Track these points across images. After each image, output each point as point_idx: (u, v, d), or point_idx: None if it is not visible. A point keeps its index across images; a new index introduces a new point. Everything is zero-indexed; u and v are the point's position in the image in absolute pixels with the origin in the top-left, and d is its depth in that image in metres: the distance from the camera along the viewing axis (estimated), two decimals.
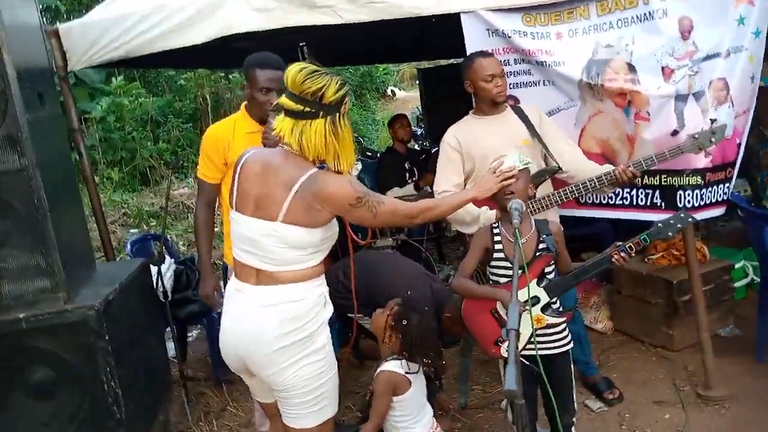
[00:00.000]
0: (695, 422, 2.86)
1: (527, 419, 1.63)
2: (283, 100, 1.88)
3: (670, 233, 2.28)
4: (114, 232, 6.49)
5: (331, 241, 2.01)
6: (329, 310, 2.03)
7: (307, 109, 1.84)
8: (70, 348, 2.21)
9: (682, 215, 2.28)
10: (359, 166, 2.31)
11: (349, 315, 3.00)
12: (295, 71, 1.85)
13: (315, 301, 1.95)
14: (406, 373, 2.29)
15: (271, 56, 2.64)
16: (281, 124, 1.89)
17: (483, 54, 2.82)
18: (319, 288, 1.99)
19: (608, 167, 2.73)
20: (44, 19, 9.80)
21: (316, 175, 1.87)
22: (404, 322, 2.40)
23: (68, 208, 2.47)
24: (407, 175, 5.14)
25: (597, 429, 2.92)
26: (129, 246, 3.84)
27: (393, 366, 2.31)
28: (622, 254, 2.24)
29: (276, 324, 1.89)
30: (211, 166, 2.73)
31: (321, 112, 1.85)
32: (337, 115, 1.87)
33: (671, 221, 2.28)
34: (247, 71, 2.64)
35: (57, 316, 2.19)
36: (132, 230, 6.80)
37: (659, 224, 2.28)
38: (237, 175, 2.00)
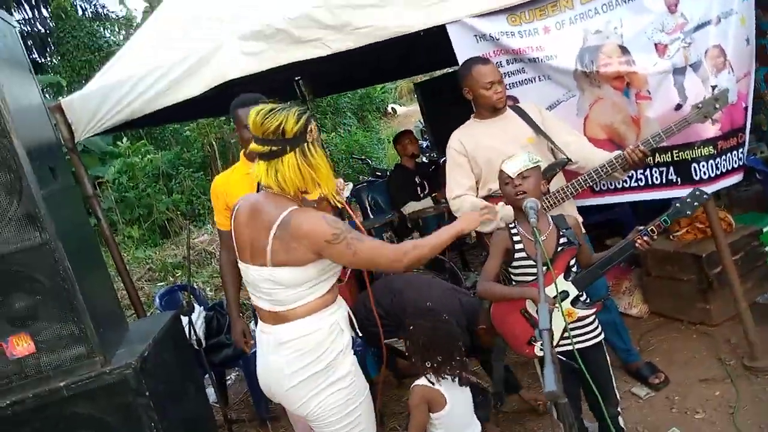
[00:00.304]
0: (747, 395, 2.79)
1: (573, 417, 1.61)
2: (252, 146, 1.90)
3: (688, 212, 2.26)
4: (141, 288, 6.57)
5: (332, 270, 1.98)
6: (347, 336, 2.01)
7: (274, 147, 1.85)
8: (111, 410, 2.23)
9: (697, 193, 2.25)
10: (350, 186, 2.30)
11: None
12: (253, 115, 1.87)
13: (328, 330, 1.93)
14: (434, 384, 2.22)
15: (251, 95, 2.68)
16: (257, 168, 1.91)
17: (481, 61, 2.82)
18: (332, 317, 1.97)
19: (618, 153, 2.69)
20: (48, 95, 10.09)
21: (290, 214, 1.86)
22: (411, 328, 2.35)
23: (93, 272, 2.52)
24: (418, 189, 5.18)
25: (646, 416, 2.86)
26: (158, 300, 3.88)
27: (423, 380, 2.28)
28: (645, 238, 2.22)
29: (292, 359, 1.92)
30: (219, 214, 2.84)
31: (288, 147, 1.85)
32: (305, 144, 1.87)
33: (688, 200, 2.25)
34: (232, 114, 2.72)
35: (96, 379, 2.22)
36: (159, 284, 6.89)
37: (677, 204, 2.26)
38: (233, 225, 2.04)
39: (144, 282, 7.08)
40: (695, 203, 2.24)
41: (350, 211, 2.25)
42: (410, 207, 4.99)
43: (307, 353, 1.91)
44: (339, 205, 2.13)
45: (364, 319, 3.03)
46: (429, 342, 2.19)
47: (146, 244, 8.84)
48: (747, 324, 2.92)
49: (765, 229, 3.71)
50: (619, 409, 2.40)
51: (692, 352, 3.26)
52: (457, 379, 2.22)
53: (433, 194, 5.09)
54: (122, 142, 9.85)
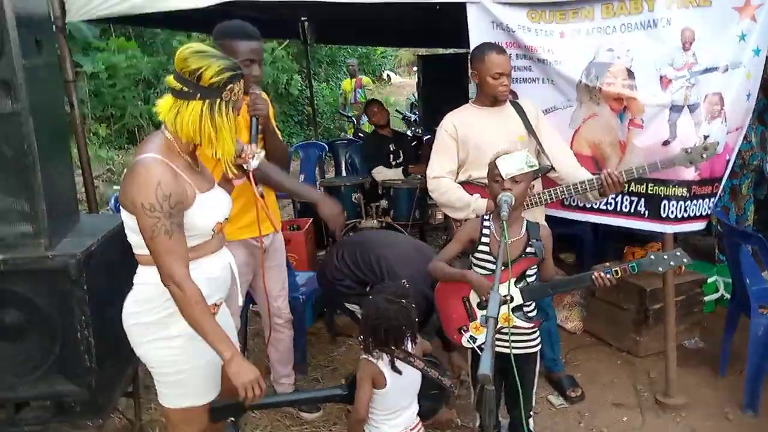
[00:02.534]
0: (651, 427, 2.93)
1: (494, 404, 1.67)
2: (168, 78, 1.81)
3: (660, 268, 2.22)
4: (97, 187, 6.40)
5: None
6: None
7: (185, 88, 1.76)
8: (46, 295, 2.20)
9: (678, 253, 2.22)
10: (261, 155, 2.23)
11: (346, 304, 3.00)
12: (181, 49, 1.78)
13: (163, 289, 1.81)
14: (375, 361, 2.20)
15: (237, 24, 2.53)
16: (163, 102, 1.82)
17: (497, 49, 2.79)
18: None
19: (598, 175, 2.69)
20: None
21: (141, 159, 1.78)
22: (370, 298, 2.27)
23: (57, 156, 2.44)
24: (391, 156, 5.18)
25: (556, 424, 2.98)
26: (112, 201, 3.83)
27: (366, 356, 2.24)
28: (607, 276, 2.20)
29: (130, 302, 1.93)
30: None
31: (198, 94, 1.76)
32: (218, 100, 1.77)
33: (665, 257, 2.21)
34: (223, 41, 2.48)
35: (37, 261, 2.18)
36: (115, 186, 6.74)
37: (651, 257, 2.23)
38: None
39: (101, 181, 6.92)
40: (671, 263, 2.21)
41: (252, 182, 2.18)
42: (380, 172, 4.98)
43: (139, 302, 1.91)
44: (230, 174, 2.04)
45: (332, 278, 3.04)
46: (380, 322, 2.17)
47: (111, 145, 8.61)
48: (670, 362, 3.04)
49: (709, 280, 3.87)
50: (531, 413, 2.47)
51: (613, 376, 3.39)
52: (390, 364, 2.19)
53: (407, 166, 5.09)
54: (110, 41, 9.48)
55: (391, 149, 5.19)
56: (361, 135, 7.83)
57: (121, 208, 1.84)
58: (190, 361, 1.94)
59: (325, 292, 3.29)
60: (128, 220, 1.84)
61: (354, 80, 10.13)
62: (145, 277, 1.90)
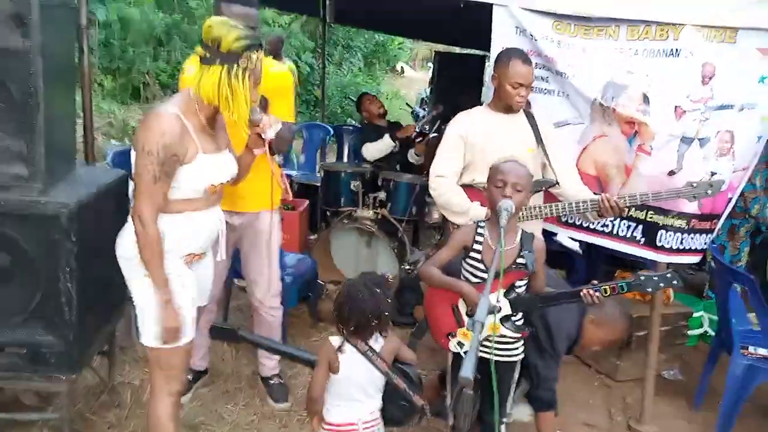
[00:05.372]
0: None
1: (471, 408, 1.67)
2: (197, 47, 2.02)
3: (649, 289, 2.22)
4: (95, 140, 6.35)
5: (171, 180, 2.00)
6: (174, 246, 2.05)
7: (208, 54, 1.97)
8: (34, 241, 2.17)
9: (668, 275, 2.18)
10: (278, 126, 2.29)
11: None
12: (208, 20, 2.01)
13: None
14: (338, 348, 2.16)
15: None
16: (195, 70, 2.03)
17: (523, 58, 2.72)
18: (164, 226, 2.01)
19: (599, 196, 2.68)
20: None
21: (156, 110, 2.00)
22: (346, 282, 2.25)
23: (61, 101, 2.39)
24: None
25: None
26: (110, 155, 3.78)
27: (334, 338, 2.21)
28: (596, 294, 2.19)
29: (123, 234, 2.09)
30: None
31: (218, 60, 1.95)
32: (235, 66, 1.96)
33: (655, 278, 2.19)
34: (220, 3, 2.59)
35: (28, 205, 2.14)
36: (113, 141, 6.68)
37: (642, 277, 2.20)
38: None
39: (100, 134, 6.85)
40: (661, 284, 2.19)
41: (269, 152, 2.30)
42: (367, 149, 4.87)
43: (128, 236, 2.03)
44: (244, 134, 2.21)
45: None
46: (346, 301, 2.14)
47: (114, 98, 8.51)
48: (647, 390, 3.05)
49: (695, 314, 3.89)
50: (504, 419, 2.47)
51: (588, 397, 3.41)
52: (346, 347, 2.15)
53: (393, 132, 4.92)
54: None
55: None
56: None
57: (132, 148, 2.01)
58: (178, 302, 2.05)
59: None
60: (133, 157, 2.00)
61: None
62: None
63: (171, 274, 2.04)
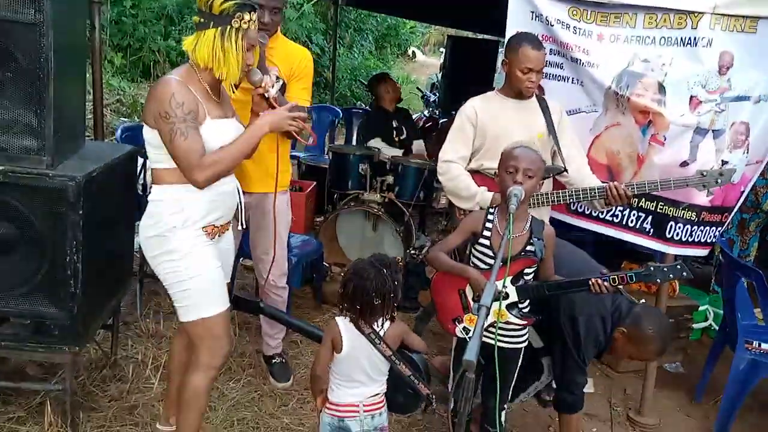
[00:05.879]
0: None
1: (471, 392, 1.66)
2: (194, 17, 2.03)
3: (659, 279, 2.19)
4: (104, 116, 6.35)
5: None
6: (187, 217, 2.05)
7: (202, 20, 1.98)
8: (40, 213, 2.17)
9: (678, 266, 2.14)
10: (280, 84, 2.35)
11: None
12: None
13: (170, 203, 2.04)
14: (339, 327, 2.14)
15: None
16: (189, 39, 2.04)
17: (534, 43, 2.67)
18: (176, 194, 2.04)
19: (606, 184, 2.65)
20: None
21: (165, 77, 2.01)
22: (355, 261, 2.23)
23: (71, 76, 2.39)
24: (394, 132, 5.01)
25: (527, 425, 3.00)
26: (119, 132, 3.77)
27: (340, 318, 2.20)
28: (605, 283, 2.16)
29: (145, 217, 2.08)
30: None
31: (212, 23, 1.96)
32: (227, 27, 1.96)
33: (665, 269, 2.14)
34: None
35: (36, 178, 2.14)
36: (123, 118, 6.68)
37: (651, 267, 2.16)
38: None
39: (109, 111, 6.85)
40: (671, 275, 2.16)
41: (275, 105, 2.24)
42: (376, 143, 4.83)
43: (149, 215, 2.06)
44: (230, 93, 2.22)
45: None
46: (352, 278, 2.12)
47: (124, 75, 8.49)
48: (648, 382, 3.05)
49: (701, 308, 3.87)
50: (505, 406, 2.46)
51: (589, 387, 3.39)
52: (351, 324, 2.13)
53: (408, 147, 4.94)
54: None
55: (394, 125, 5.04)
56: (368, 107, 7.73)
57: (144, 124, 2.02)
58: (190, 274, 2.06)
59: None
60: (147, 135, 2.02)
61: None
62: (155, 194, 2.07)
63: (195, 246, 2.06)
